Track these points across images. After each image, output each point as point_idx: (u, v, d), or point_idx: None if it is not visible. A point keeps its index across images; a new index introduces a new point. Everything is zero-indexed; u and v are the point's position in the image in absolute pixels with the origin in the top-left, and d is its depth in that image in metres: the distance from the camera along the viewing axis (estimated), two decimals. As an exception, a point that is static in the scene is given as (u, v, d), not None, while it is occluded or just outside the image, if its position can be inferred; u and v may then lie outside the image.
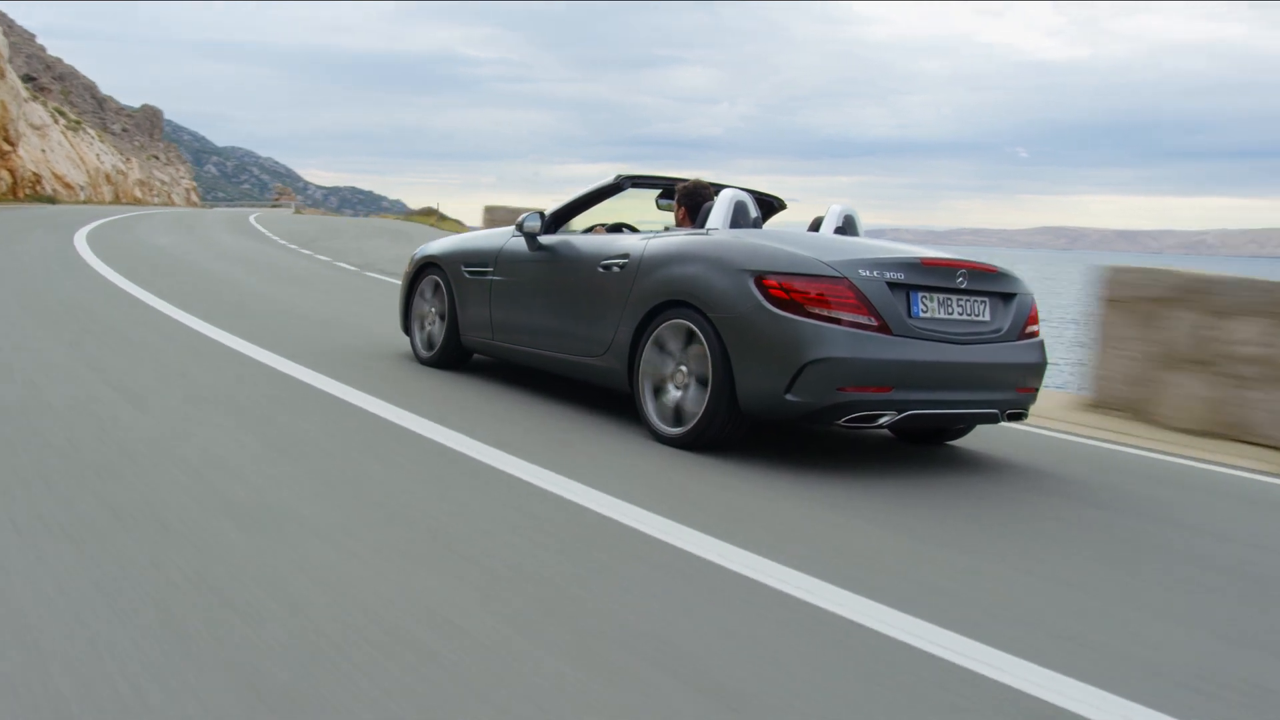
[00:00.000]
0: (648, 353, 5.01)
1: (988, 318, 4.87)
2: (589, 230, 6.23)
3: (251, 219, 35.53)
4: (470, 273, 6.41)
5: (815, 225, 5.70)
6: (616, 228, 6.28)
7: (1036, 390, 5.10)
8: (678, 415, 4.84)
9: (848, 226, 5.62)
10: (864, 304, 4.45)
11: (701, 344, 4.70)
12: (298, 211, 66.48)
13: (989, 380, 4.79)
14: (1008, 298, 4.98)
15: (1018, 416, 5.05)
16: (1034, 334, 5.08)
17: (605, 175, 5.91)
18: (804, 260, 4.55)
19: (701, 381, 4.72)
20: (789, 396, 4.44)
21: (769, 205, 6.55)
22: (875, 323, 4.45)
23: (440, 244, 6.97)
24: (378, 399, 5.31)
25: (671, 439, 4.82)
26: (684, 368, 4.85)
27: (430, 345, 6.77)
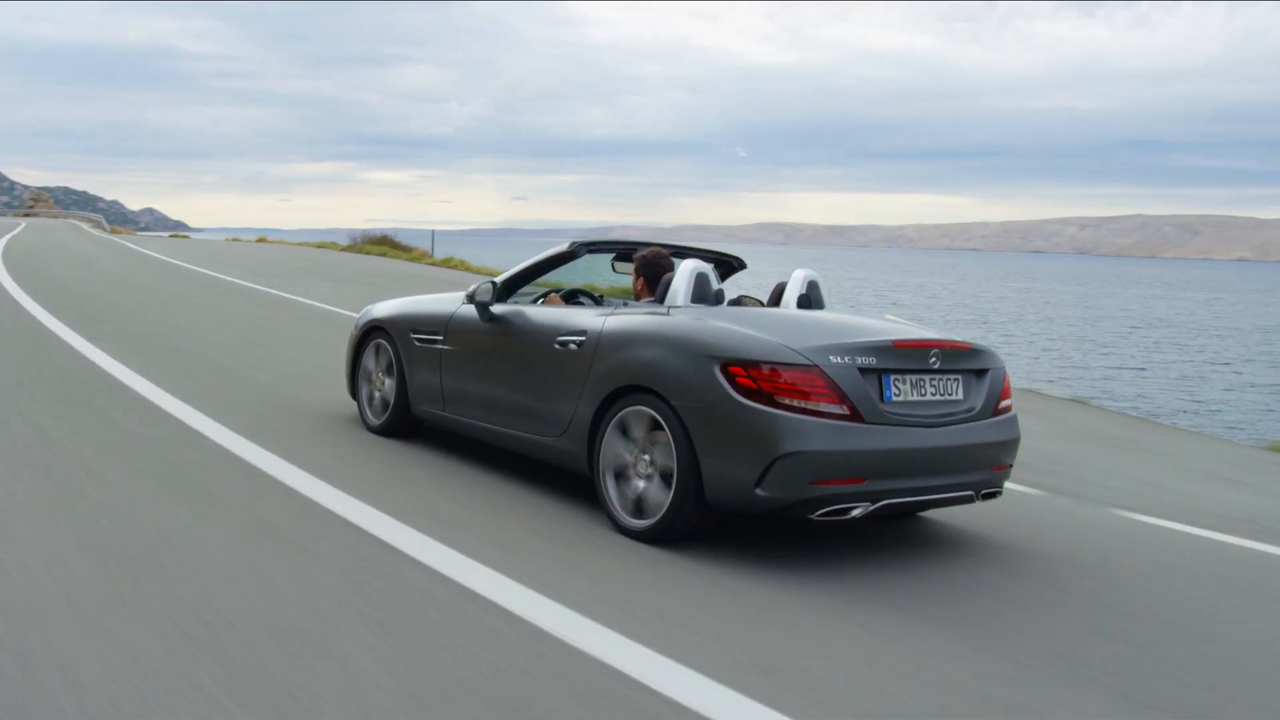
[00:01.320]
0: (608, 439, 4.77)
1: (961, 396, 4.71)
2: (543, 297, 6.01)
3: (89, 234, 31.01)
4: (420, 340, 6.14)
5: (778, 291, 5.48)
6: (572, 295, 6.05)
7: (1011, 466, 4.95)
8: (642, 506, 4.59)
9: (812, 293, 5.40)
10: (836, 392, 4.26)
11: (665, 433, 4.47)
12: (113, 231, 54.22)
13: (964, 462, 4.64)
14: (980, 374, 4.83)
15: (993, 495, 4.88)
16: (1007, 409, 4.93)
17: (559, 244, 5.72)
18: (772, 347, 4.34)
19: (666, 472, 4.48)
20: (759, 491, 4.24)
21: (728, 265, 6.39)
22: (847, 411, 4.26)
23: (387, 307, 6.66)
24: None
25: (636, 532, 4.58)
26: (647, 456, 4.61)
27: (379, 413, 6.50)
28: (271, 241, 47.16)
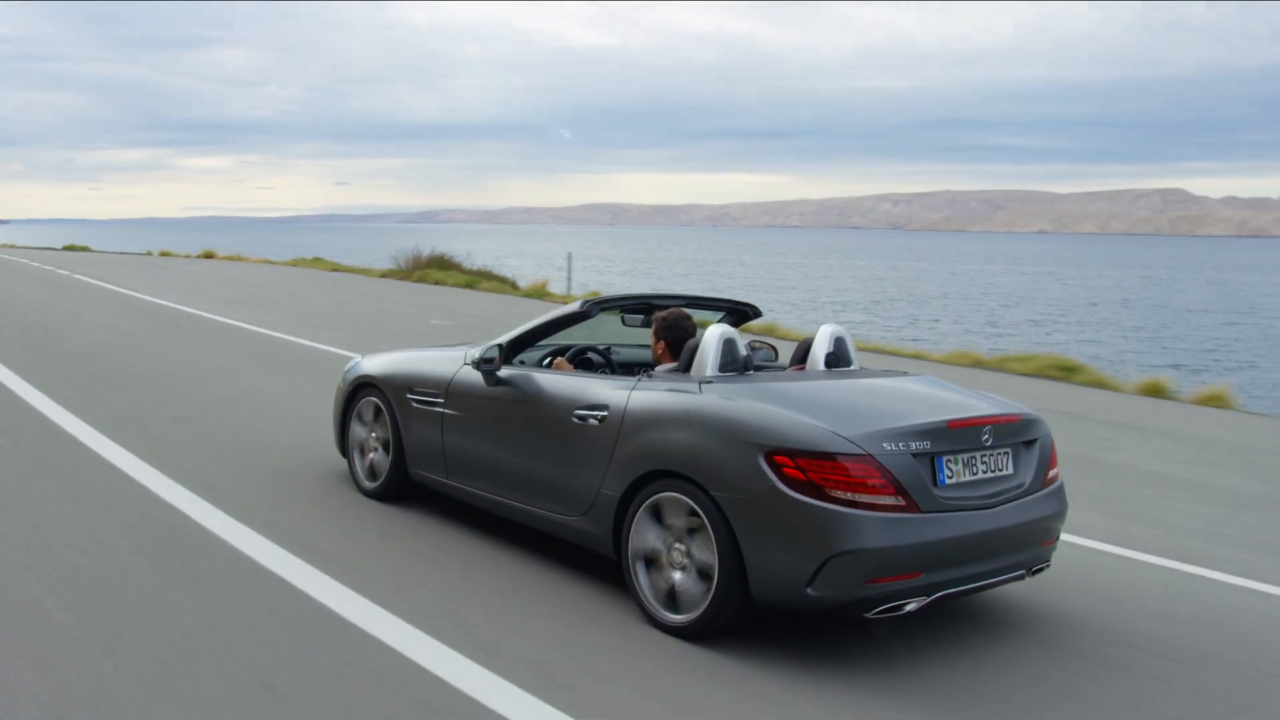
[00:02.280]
0: (638, 525, 4.47)
1: (1011, 470, 4.47)
2: (549, 357, 5.71)
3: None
4: (417, 401, 5.77)
5: (804, 347, 5.23)
6: (580, 353, 5.74)
7: (1058, 538, 4.73)
8: (677, 599, 4.31)
9: (839, 349, 5.15)
10: (891, 483, 3.96)
11: (704, 524, 4.18)
12: None
13: (1017, 542, 4.39)
14: (1030, 444, 4.60)
15: (1041, 570, 4.64)
16: (1055, 478, 4.70)
17: (571, 305, 5.37)
18: (820, 434, 4.01)
19: (704, 565, 4.20)
20: (810, 591, 3.94)
21: (743, 314, 6.13)
22: (903, 502, 3.97)
23: (377, 362, 6.27)
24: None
25: (672, 627, 4.30)
26: (682, 545, 4.31)
27: (373, 476, 6.14)
28: (248, 260, 36.96)
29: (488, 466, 5.36)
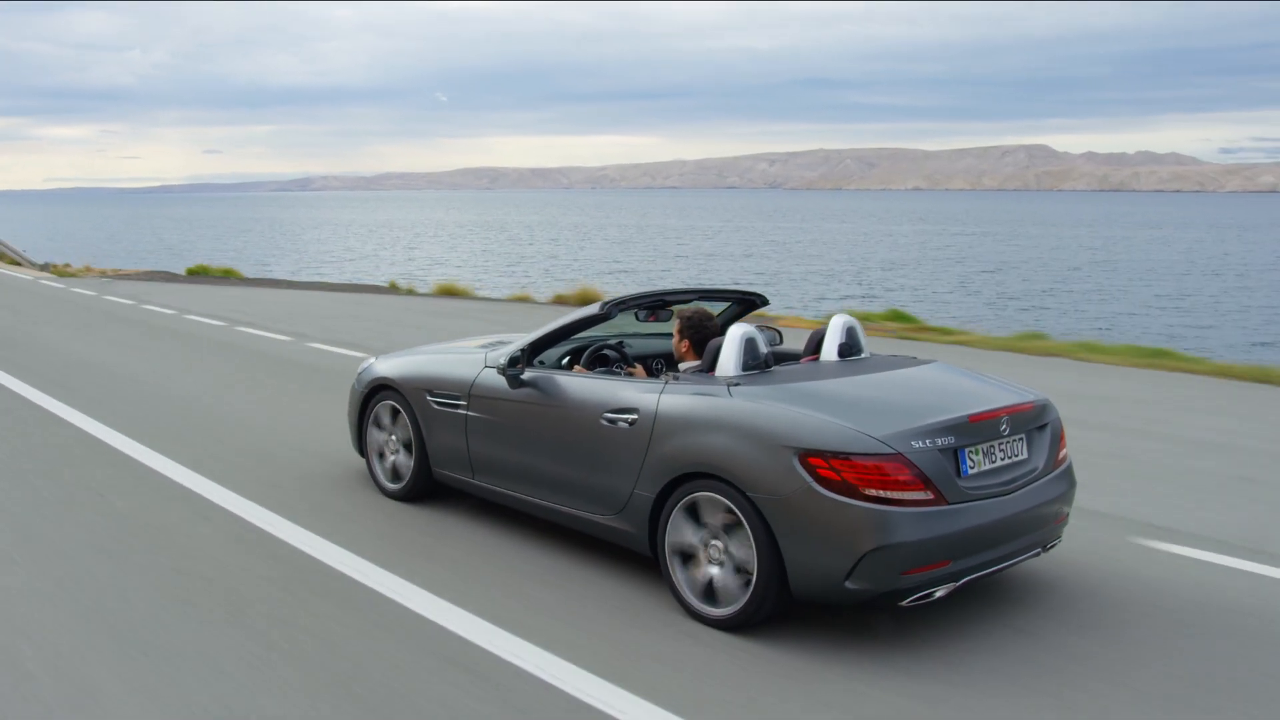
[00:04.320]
0: (674, 523, 4.63)
1: (1026, 455, 4.70)
2: (567, 356, 5.84)
3: None
4: (438, 403, 5.87)
5: (817, 339, 5.38)
6: (597, 351, 5.85)
7: (1068, 515, 4.97)
8: (715, 593, 4.50)
9: (851, 339, 5.31)
10: (920, 478, 4.17)
11: (741, 523, 4.36)
12: None
13: (1034, 523, 4.60)
14: (1041, 428, 4.82)
15: (1054, 545, 4.90)
16: (1064, 459, 4.95)
17: (591, 306, 5.46)
18: (852, 435, 4.19)
19: (742, 561, 4.39)
20: (848, 584, 4.15)
21: (749, 303, 6.29)
22: (932, 496, 4.19)
23: (394, 364, 6.34)
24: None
25: (713, 620, 4.49)
26: (719, 543, 4.49)
27: (396, 477, 6.25)
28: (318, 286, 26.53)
29: (515, 467, 5.46)
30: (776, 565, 4.27)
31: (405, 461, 6.17)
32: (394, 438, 6.27)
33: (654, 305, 5.70)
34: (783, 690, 3.95)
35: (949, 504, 4.24)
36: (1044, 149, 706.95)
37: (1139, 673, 4.14)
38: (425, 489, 6.15)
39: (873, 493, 4.11)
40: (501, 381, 5.51)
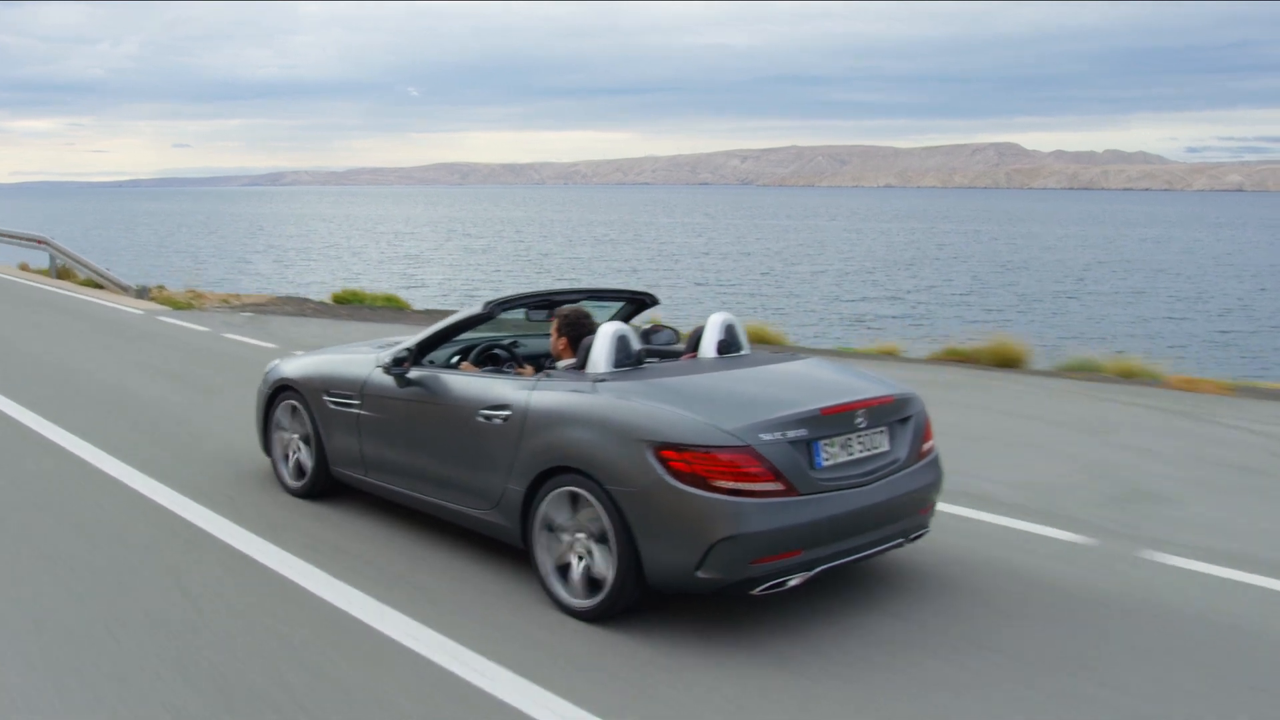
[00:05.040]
0: (542, 518, 4.76)
1: (887, 448, 4.81)
2: (457, 355, 5.95)
3: None
4: (334, 403, 6.01)
5: (697, 337, 5.48)
6: (488, 349, 5.99)
7: (935, 505, 5.10)
8: (580, 584, 4.64)
9: (729, 336, 5.43)
10: (769, 470, 4.28)
11: (601, 516, 4.48)
12: None
13: (894, 514, 4.72)
14: (904, 421, 4.93)
15: (920, 536, 5.04)
16: (929, 450, 5.06)
17: (473, 304, 5.59)
18: (702, 428, 4.31)
19: (603, 554, 4.51)
20: (699, 574, 4.27)
21: (640, 302, 6.39)
22: (781, 487, 4.30)
23: (296, 365, 6.48)
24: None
25: (577, 611, 4.63)
26: (583, 535, 4.62)
27: (298, 475, 6.39)
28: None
29: (402, 464, 5.61)
30: (633, 557, 4.40)
31: (307, 460, 6.30)
32: (296, 436, 6.40)
33: (539, 305, 5.80)
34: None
35: (800, 495, 4.35)
36: (1013, 147, 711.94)
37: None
38: (326, 487, 6.27)
39: (722, 484, 4.23)
40: (391, 381, 5.64)
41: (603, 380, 4.75)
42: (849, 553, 4.55)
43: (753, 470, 4.24)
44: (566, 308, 5.57)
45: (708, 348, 5.39)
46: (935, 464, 5.07)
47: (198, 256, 51.34)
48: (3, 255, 26.17)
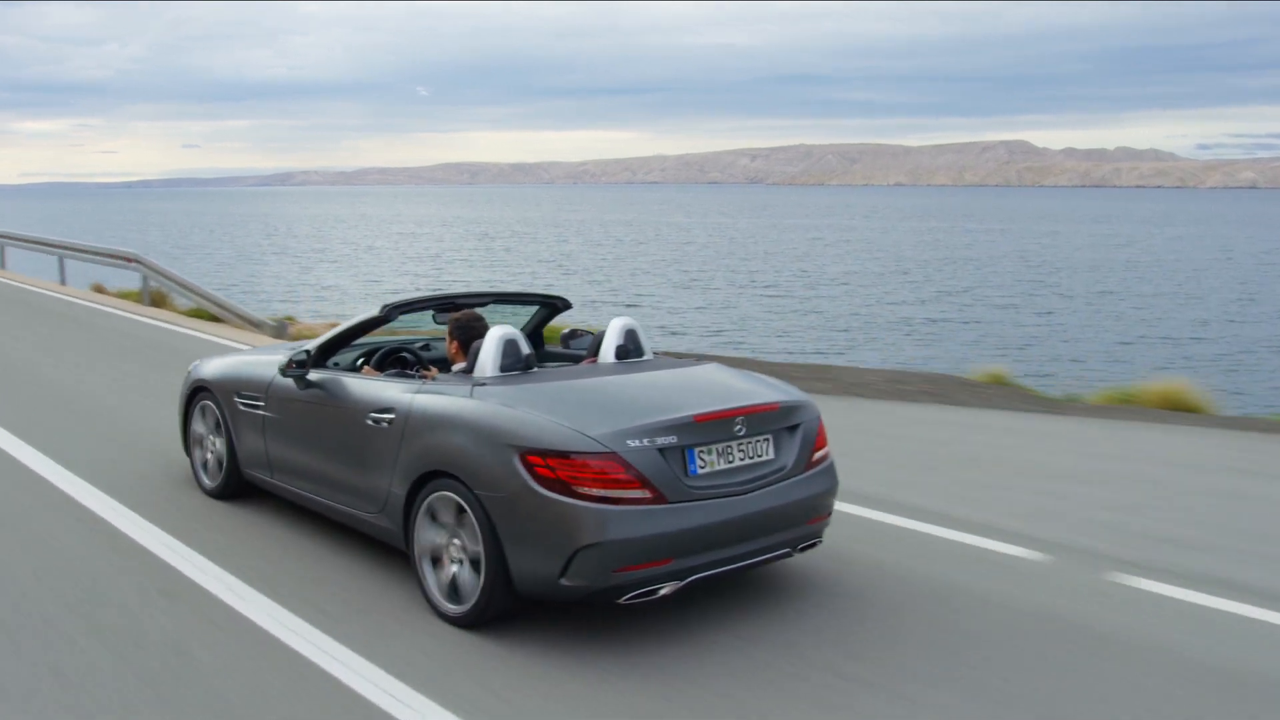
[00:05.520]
0: (420, 521, 4.78)
1: (772, 455, 4.74)
2: (362, 358, 5.99)
3: None
4: (244, 404, 6.07)
5: (597, 342, 5.46)
6: (394, 352, 6.04)
7: (830, 514, 5.03)
8: (456, 591, 4.64)
9: (630, 342, 5.38)
10: (635, 477, 4.24)
11: (472, 521, 4.48)
12: None
13: (777, 523, 4.65)
14: (792, 429, 4.85)
15: (812, 546, 4.98)
16: (822, 459, 4.98)
17: (370, 307, 5.62)
18: (567, 435, 4.29)
19: (476, 559, 4.51)
20: (563, 581, 4.26)
21: (552, 306, 6.39)
22: (649, 495, 4.25)
23: (213, 366, 6.55)
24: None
25: (451, 618, 4.65)
26: (458, 541, 4.62)
27: (213, 476, 6.44)
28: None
29: (302, 467, 5.65)
30: (501, 563, 4.40)
31: (221, 460, 6.35)
32: (211, 437, 6.45)
33: (445, 308, 5.75)
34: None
35: (669, 503, 4.30)
36: (1024, 145, 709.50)
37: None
38: (238, 488, 6.31)
39: (586, 490, 4.20)
40: (293, 384, 5.67)
41: (483, 385, 4.76)
42: (726, 562, 4.50)
43: (618, 477, 4.21)
44: (460, 312, 5.56)
45: (607, 353, 5.35)
46: (828, 473, 4.99)
47: (253, 265, 48.10)
48: (57, 270, 20.92)
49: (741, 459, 4.58)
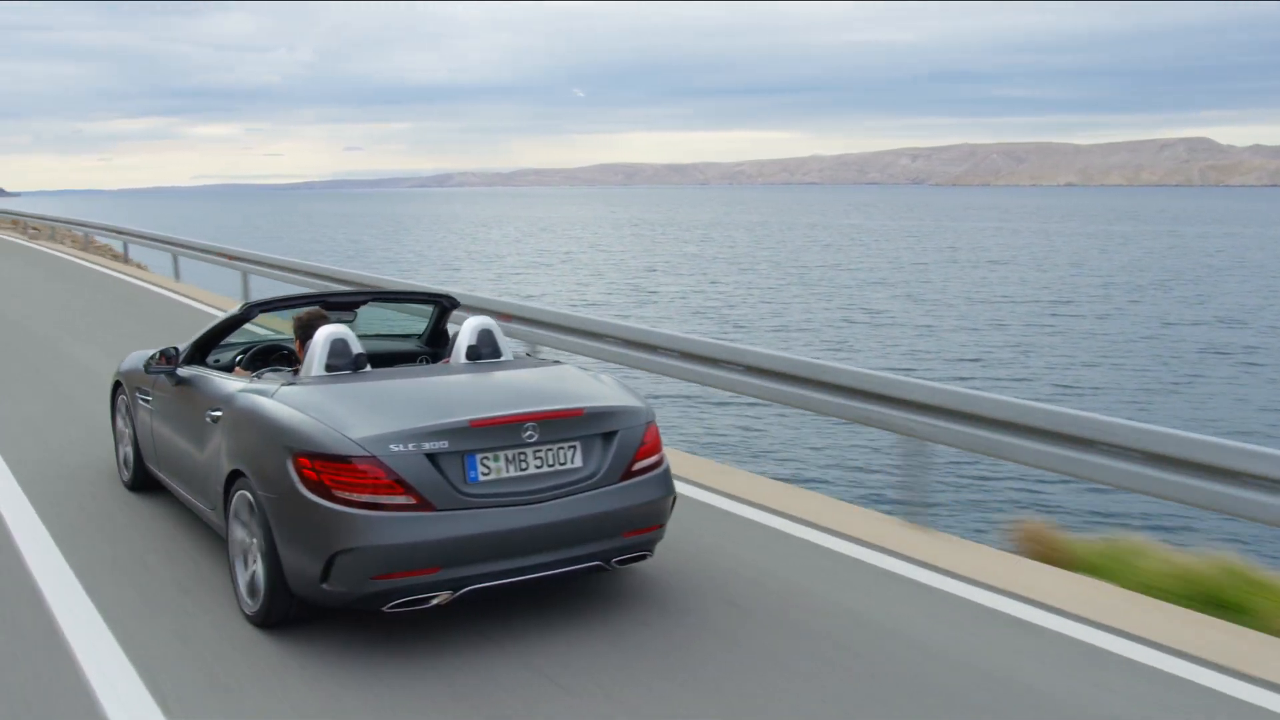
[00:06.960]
0: (231, 520, 4.84)
1: (580, 464, 4.57)
2: (244, 352, 6.04)
3: None
4: (142, 400, 6.23)
5: (453, 342, 5.42)
6: (276, 351, 6.02)
7: (659, 527, 4.81)
8: (253, 590, 4.68)
9: (482, 342, 5.26)
10: (397, 482, 4.16)
11: (258, 521, 4.54)
12: None
13: (579, 534, 4.47)
14: (608, 436, 4.66)
15: (637, 559, 4.80)
16: (647, 469, 4.74)
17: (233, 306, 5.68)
18: (331, 438, 4.24)
19: (263, 560, 4.56)
20: (325, 586, 4.22)
21: (439, 305, 6.29)
22: (414, 501, 4.17)
23: (128, 361, 6.73)
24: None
25: (249, 618, 4.69)
26: (255, 540, 4.64)
27: (127, 467, 6.60)
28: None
29: (168, 462, 5.83)
30: (277, 565, 4.41)
31: (131, 454, 6.54)
32: (126, 430, 6.63)
33: (304, 307, 5.68)
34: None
35: (437, 510, 4.20)
36: (1205, 141, 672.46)
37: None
38: (146, 482, 6.45)
39: (343, 494, 4.16)
40: (166, 379, 5.83)
41: (291, 384, 4.75)
42: (510, 573, 4.37)
43: (378, 482, 4.15)
44: (304, 310, 5.51)
45: (459, 353, 5.29)
46: (655, 483, 4.76)
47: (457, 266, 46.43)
48: (241, 287, 16.71)
49: (538, 466, 4.46)
